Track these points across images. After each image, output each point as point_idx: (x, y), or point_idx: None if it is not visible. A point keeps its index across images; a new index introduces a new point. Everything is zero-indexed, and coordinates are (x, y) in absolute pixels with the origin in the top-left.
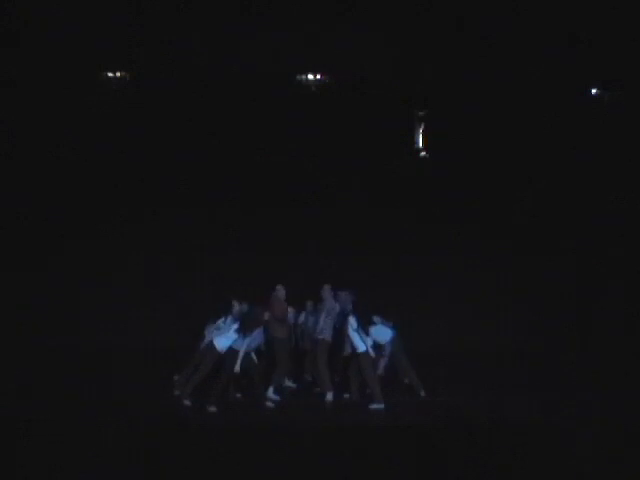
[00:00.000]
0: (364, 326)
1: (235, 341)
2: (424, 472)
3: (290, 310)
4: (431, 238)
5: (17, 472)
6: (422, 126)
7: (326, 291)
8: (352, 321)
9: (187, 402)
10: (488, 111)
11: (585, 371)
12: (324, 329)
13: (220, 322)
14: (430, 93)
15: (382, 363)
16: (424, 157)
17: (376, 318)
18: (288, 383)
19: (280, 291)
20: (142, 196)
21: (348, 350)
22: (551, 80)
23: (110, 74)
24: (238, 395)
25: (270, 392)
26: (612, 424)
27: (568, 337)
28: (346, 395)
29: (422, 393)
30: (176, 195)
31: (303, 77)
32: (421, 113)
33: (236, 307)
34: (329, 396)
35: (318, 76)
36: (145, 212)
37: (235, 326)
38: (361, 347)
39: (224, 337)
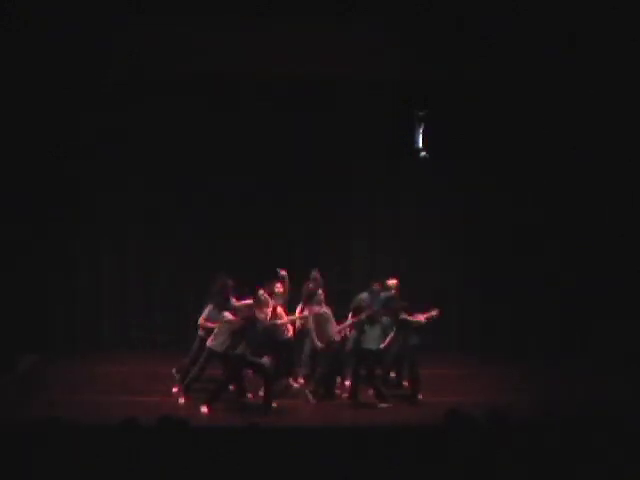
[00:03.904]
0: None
1: None
2: (424, 472)
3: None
4: (431, 238)
5: (16, 472)
6: (422, 126)
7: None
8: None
9: (181, 400)
10: (488, 111)
11: (585, 370)
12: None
13: None
14: (430, 93)
15: None
16: (424, 157)
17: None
18: (290, 382)
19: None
20: (142, 196)
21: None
22: (551, 80)
23: (112, 74)
24: (249, 395)
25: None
26: (612, 424)
27: (568, 337)
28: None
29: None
30: (176, 195)
31: (302, 77)
32: (421, 113)
33: None
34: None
35: (318, 76)
36: (145, 212)
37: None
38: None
39: None
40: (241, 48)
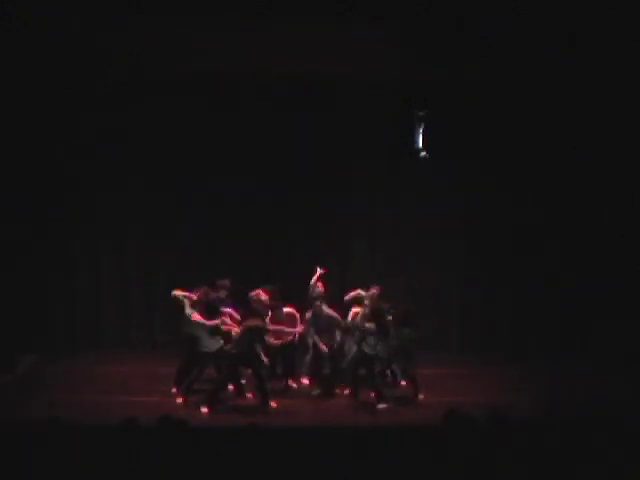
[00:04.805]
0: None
1: None
2: (424, 472)
3: None
4: (431, 238)
5: (16, 472)
6: (422, 126)
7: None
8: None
9: (181, 400)
10: (488, 111)
11: (585, 370)
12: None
13: None
14: (430, 93)
15: None
16: (424, 157)
17: None
18: (290, 382)
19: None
20: (142, 196)
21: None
22: (551, 80)
23: (112, 75)
24: (249, 395)
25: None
26: (612, 424)
27: (568, 337)
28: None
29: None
30: (176, 195)
31: (302, 77)
32: (421, 113)
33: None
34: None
35: (318, 76)
36: (145, 212)
37: None
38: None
39: None
40: (241, 48)
